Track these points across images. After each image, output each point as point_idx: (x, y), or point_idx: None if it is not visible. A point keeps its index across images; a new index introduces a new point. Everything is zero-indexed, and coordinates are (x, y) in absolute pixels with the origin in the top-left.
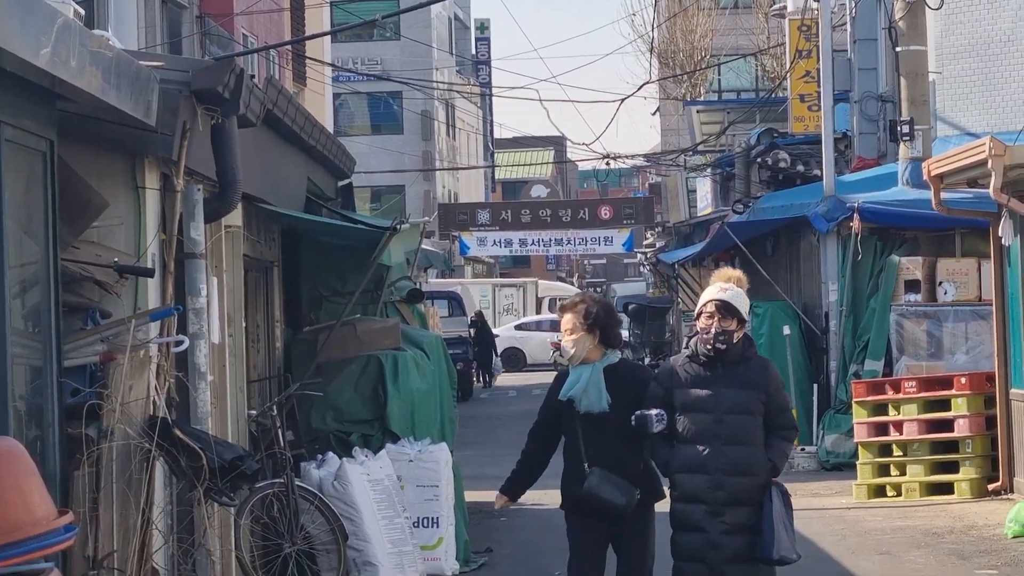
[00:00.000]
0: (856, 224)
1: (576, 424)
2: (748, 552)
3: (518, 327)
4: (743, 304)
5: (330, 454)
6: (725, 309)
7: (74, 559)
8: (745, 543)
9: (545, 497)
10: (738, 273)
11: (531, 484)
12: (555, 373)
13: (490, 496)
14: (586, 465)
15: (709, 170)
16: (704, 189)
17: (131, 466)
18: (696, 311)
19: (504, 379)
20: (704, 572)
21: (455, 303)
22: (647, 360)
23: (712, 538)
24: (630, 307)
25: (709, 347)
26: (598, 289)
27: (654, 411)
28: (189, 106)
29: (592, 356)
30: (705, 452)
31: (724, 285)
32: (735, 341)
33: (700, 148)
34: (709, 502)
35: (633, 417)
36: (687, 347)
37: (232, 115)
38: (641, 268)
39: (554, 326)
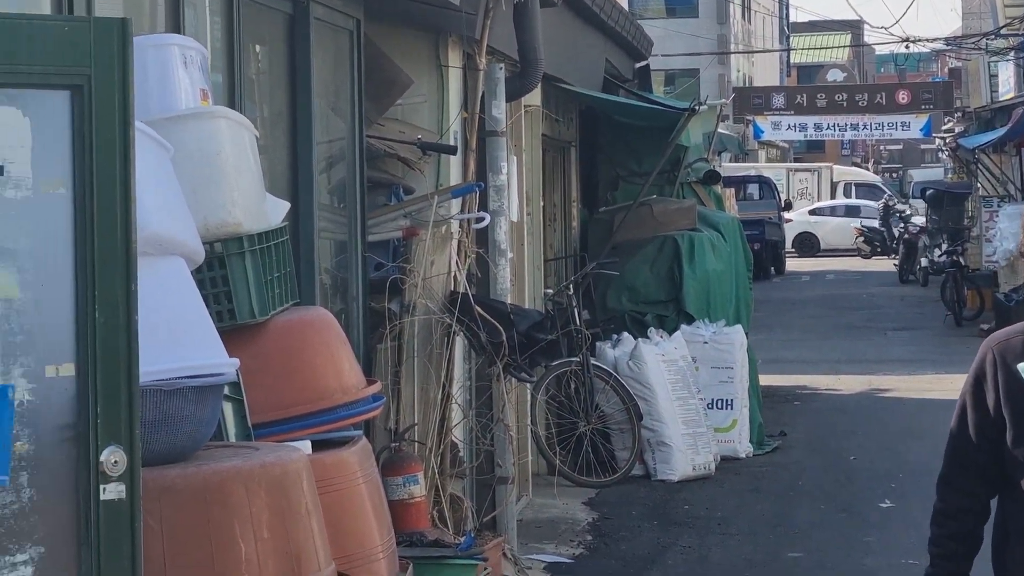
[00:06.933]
0: None
1: None
2: None
3: (812, 212)
4: None
5: (625, 334)
6: None
7: (376, 431)
8: None
9: (839, 383)
10: None
11: (970, 565)
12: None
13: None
14: None
15: (1012, 53)
16: (1006, 73)
17: (432, 341)
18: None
19: (797, 264)
20: None
21: (765, 187)
22: (944, 246)
23: None
24: (928, 192)
25: None
26: (894, 175)
27: None
28: None
29: None
30: None
31: None
32: None
33: (1003, 31)
34: None
35: None
36: None
37: None
38: (939, 154)
39: (849, 211)
